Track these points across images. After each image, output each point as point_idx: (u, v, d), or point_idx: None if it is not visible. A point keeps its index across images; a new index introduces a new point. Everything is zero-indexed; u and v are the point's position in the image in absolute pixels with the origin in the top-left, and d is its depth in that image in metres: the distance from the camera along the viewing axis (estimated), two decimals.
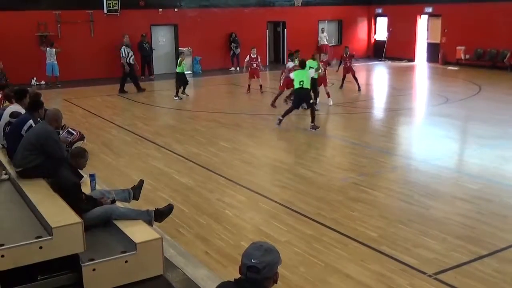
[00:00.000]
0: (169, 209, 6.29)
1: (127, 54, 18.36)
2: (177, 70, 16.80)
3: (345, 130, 12.81)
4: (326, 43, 26.31)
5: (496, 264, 5.86)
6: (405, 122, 13.86)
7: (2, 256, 4.62)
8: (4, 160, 7.00)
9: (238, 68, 23.34)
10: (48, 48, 19.40)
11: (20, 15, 19.37)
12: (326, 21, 26.90)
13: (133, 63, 18.48)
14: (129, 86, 18.15)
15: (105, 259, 5.00)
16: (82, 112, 14.97)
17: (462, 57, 23.47)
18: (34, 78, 19.76)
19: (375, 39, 28.20)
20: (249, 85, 17.44)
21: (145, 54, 21.55)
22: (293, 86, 12.81)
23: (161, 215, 6.13)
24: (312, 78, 13.28)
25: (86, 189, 6.17)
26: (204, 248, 6.33)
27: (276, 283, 2.80)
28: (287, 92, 14.66)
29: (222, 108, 15.32)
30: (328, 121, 14.19)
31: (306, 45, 25.76)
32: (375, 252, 6.17)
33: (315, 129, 12.13)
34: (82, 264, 4.87)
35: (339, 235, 6.65)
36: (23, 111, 7.46)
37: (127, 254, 5.09)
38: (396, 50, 26.29)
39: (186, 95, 16.98)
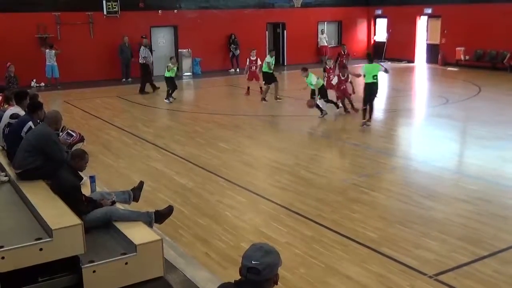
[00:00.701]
0: (169, 210, 6.28)
1: (147, 54, 18.68)
2: (165, 75, 16.74)
3: (345, 131, 12.80)
4: (326, 44, 26.34)
5: (496, 265, 5.86)
6: (405, 123, 13.86)
7: (2, 258, 4.61)
8: (4, 162, 6.99)
9: (237, 70, 23.34)
10: (47, 50, 19.41)
11: (19, 16, 19.37)
12: (325, 22, 26.91)
13: (150, 62, 18.69)
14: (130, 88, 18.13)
15: (105, 261, 4.99)
16: (81, 114, 14.97)
17: (462, 58, 23.47)
18: (34, 80, 19.75)
19: (374, 40, 28.21)
20: (248, 87, 17.43)
21: None
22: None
23: (161, 216, 6.12)
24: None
25: (86, 190, 6.16)
26: (204, 249, 6.33)
27: (277, 284, 2.79)
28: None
29: (221, 109, 15.32)
30: (327, 122, 14.17)
31: (305, 47, 25.91)
32: (375, 253, 6.17)
33: (366, 126, 12.46)
34: (82, 266, 4.87)
35: (339, 236, 6.65)
36: (23, 112, 7.46)
37: (127, 255, 5.08)
38: (395, 51, 26.30)
39: (173, 98, 16.82)
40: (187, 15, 22.99)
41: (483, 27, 22.26)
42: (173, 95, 16.79)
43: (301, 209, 7.54)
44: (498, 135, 11.73)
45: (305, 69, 14.02)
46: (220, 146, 11.15)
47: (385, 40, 27.17)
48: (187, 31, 22.88)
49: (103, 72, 21.11)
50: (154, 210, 6.12)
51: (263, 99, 16.23)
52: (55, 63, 19.52)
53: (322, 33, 26.46)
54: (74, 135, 9.37)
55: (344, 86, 14.13)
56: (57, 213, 5.22)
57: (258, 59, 17.42)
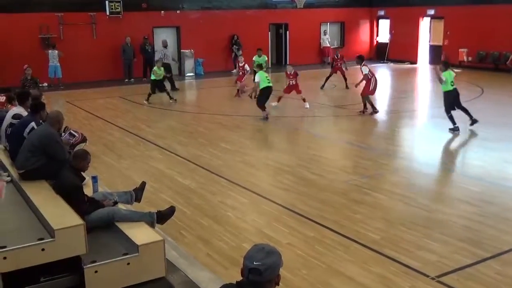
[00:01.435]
0: (171, 211, 6.29)
1: (164, 54, 18.93)
2: (151, 78, 16.69)
3: (347, 132, 12.80)
4: (328, 45, 26.35)
5: (498, 266, 5.85)
6: (408, 124, 13.84)
7: (5, 258, 4.62)
8: (7, 162, 7.01)
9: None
10: (50, 51, 19.46)
11: (22, 17, 19.42)
12: (328, 23, 26.91)
13: (169, 62, 18.84)
14: (136, 88, 18.12)
15: (107, 261, 4.99)
16: (84, 114, 14.99)
17: (465, 59, 23.44)
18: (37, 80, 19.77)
19: (377, 41, 28.21)
20: (238, 90, 17.48)
21: (147, 56, 21.59)
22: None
23: (163, 217, 6.12)
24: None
25: (88, 191, 6.17)
26: (206, 250, 6.33)
27: (278, 285, 2.79)
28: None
29: (224, 110, 15.33)
30: (330, 123, 14.18)
31: (308, 47, 25.92)
32: (377, 255, 6.16)
33: (474, 123, 12.16)
34: (84, 266, 4.87)
35: (341, 237, 6.64)
36: (25, 113, 7.47)
37: (129, 256, 5.08)
38: (398, 52, 26.28)
39: (175, 100, 16.70)
40: (190, 16, 23.02)
41: (486, 28, 22.24)
42: (170, 94, 16.80)
43: (303, 210, 7.53)
44: (500, 136, 11.71)
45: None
46: (222, 147, 11.16)
47: (387, 41, 27.16)
48: (189, 32, 22.90)
49: (106, 73, 21.16)
50: (156, 211, 6.12)
51: (248, 96, 16.67)
52: (58, 64, 19.57)
53: (325, 34, 26.47)
54: (77, 135, 9.38)
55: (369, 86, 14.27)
56: (59, 213, 5.23)
57: (246, 65, 17.58)
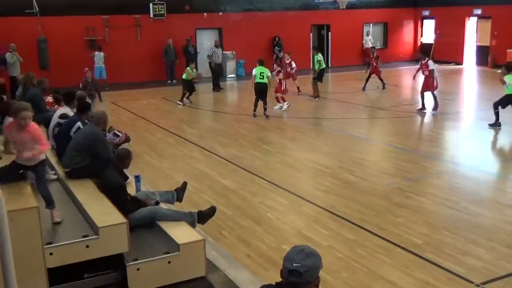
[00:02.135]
0: (211, 211, 6.33)
1: (212, 53, 19.51)
2: (183, 77, 16.94)
3: (390, 134, 12.61)
4: (371, 46, 26.02)
5: None
6: (452, 127, 13.53)
7: (51, 254, 4.75)
8: (53, 161, 7.20)
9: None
10: (96, 52, 19.92)
11: (70, 20, 19.94)
12: (371, 24, 26.60)
13: (219, 62, 19.09)
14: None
15: (149, 259, 5.07)
16: (128, 115, 15.27)
17: None
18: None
19: (421, 42, 27.69)
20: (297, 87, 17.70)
21: (189, 57, 21.82)
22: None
23: (203, 217, 6.17)
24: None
25: (131, 190, 6.28)
26: (246, 250, 6.35)
27: (318, 287, 2.77)
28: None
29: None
30: (371, 125, 14.01)
31: (350, 49, 25.67)
32: (420, 259, 6.05)
33: None
34: (126, 264, 4.96)
35: (383, 241, 6.55)
36: (71, 113, 7.66)
37: (170, 255, 5.15)
38: (443, 53, 25.72)
39: (190, 102, 16.95)
40: (232, 17, 23.15)
41: None
42: (190, 98, 16.97)
43: (344, 212, 7.47)
44: None
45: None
46: (263, 148, 11.17)
47: (432, 42, 26.63)
48: (231, 33, 23.03)
49: (149, 74, 21.51)
50: (197, 211, 6.18)
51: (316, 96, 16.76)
52: (103, 65, 20.01)
53: (368, 35, 26.17)
54: (121, 135, 9.57)
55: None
56: (103, 212, 5.34)
57: (293, 62, 17.54)
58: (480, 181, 8.92)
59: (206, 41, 23.05)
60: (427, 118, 14.25)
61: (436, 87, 14.64)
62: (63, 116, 7.70)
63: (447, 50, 25.57)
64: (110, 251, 5.01)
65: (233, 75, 23.07)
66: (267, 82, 14.16)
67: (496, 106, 12.30)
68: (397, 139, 11.91)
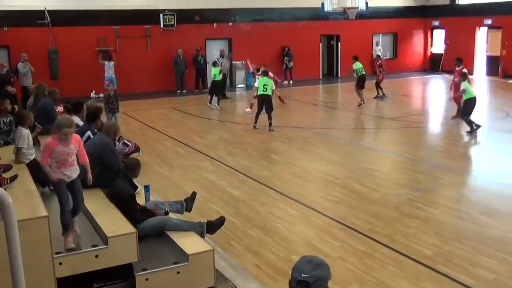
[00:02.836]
0: (220, 221, 6.33)
1: (219, 63, 19.43)
2: (217, 79, 17.25)
3: (400, 144, 12.56)
4: (381, 56, 26.00)
5: None
6: (463, 137, 13.45)
7: (60, 263, 4.77)
8: None
9: (291, 82, 23.40)
10: (106, 62, 20.06)
11: (81, 30, 20.12)
12: (380, 34, 26.59)
13: (224, 72, 19.32)
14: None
15: (158, 269, 5.08)
16: (138, 124, 15.33)
17: None
18: (93, 91, 20.42)
19: (431, 52, 27.63)
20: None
21: (199, 67, 21.95)
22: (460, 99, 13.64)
23: (212, 227, 6.18)
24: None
25: (140, 200, 6.30)
26: (254, 261, 6.33)
27: None
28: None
29: (274, 121, 15.32)
30: (381, 135, 13.96)
31: (360, 59, 25.59)
32: (430, 271, 6.00)
33: None
34: (135, 274, 4.96)
35: (393, 252, 6.50)
36: (81, 122, 7.71)
37: (179, 265, 5.15)
38: (453, 63, 25.54)
39: (218, 108, 17.33)
40: (242, 28, 23.24)
41: None
42: (219, 103, 17.30)
43: (353, 223, 7.43)
44: None
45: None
46: (272, 158, 11.16)
47: (442, 52, 26.57)
48: (241, 44, 23.12)
49: (159, 84, 21.62)
50: (206, 221, 6.18)
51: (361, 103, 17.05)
52: (114, 75, 20.13)
53: (377, 45, 26.15)
54: (130, 145, 9.62)
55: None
56: (112, 221, 5.36)
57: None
58: (491, 192, 8.85)
59: (216, 51, 23.13)
60: (437, 128, 14.17)
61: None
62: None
63: None
64: (120, 261, 5.01)
65: (242, 85, 23.13)
66: (270, 94, 13.91)
67: (463, 116, 12.92)
68: (407, 149, 11.86)
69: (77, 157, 5.18)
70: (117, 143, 8.90)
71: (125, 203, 5.73)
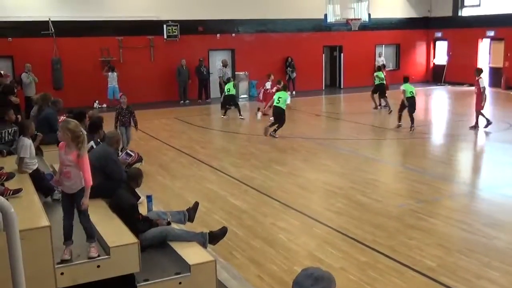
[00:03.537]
0: (223, 231, 6.32)
1: (223, 74, 19.96)
2: (231, 93, 17.54)
3: (402, 155, 12.55)
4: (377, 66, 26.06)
5: None
6: (466, 148, 13.44)
7: (62, 273, 4.75)
8: None
9: (294, 92, 23.44)
10: (110, 73, 20.15)
11: (84, 41, 20.22)
12: (383, 45, 26.66)
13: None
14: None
15: (160, 280, 5.06)
16: (141, 135, 15.31)
17: None
18: (97, 101, 20.50)
19: (434, 63, 27.67)
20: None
21: (202, 78, 22.01)
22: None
23: (215, 237, 6.16)
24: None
25: (143, 210, 6.29)
26: (257, 272, 6.30)
27: None
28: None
29: (278, 132, 15.33)
30: (383, 146, 13.95)
31: (362, 70, 25.71)
32: (434, 282, 5.96)
33: None
34: (137, 284, 4.94)
35: (395, 263, 6.47)
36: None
37: (181, 275, 5.13)
38: (456, 75, 25.66)
39: (227, 116, 17.81)
40: (245, 39, 23.34)
41: None
42: (227, 113, 17.60)
43: (356, 234, 7.40)
44: None
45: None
46: (276, 169, 11.15)
47: (445, 63, 26.61)
48: (244, 54, 23.21)
49: (162, 94, 21.69)
50: (208, 231, 6.16)
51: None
52: (117, 85, 20.22)
53: (380, 56, 26.22)
54: (133, 155, 9.61)
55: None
56: (114, 231, 5.34)
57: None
58: (494, 203, 8.82)
59: (219, 61, 23.22)
60: (440, 139, 14.14)
61: (481, 107, 14.70)
62: None
63: (460, 72, 25.48)
64: (121, 271, 4.99)
65: (245, 96, 23.17)
66: (282, 107, 14.33)
67: (402, 110, 14.75)
68: (409, 160, 11.84)
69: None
70: (120, 153, 8.90)
71: (127, 213, 5.72)
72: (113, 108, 19.85)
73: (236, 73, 23.03)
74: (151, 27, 21.48)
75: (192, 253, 5.44)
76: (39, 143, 8.25)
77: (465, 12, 25.98)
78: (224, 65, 20.52)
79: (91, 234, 5.05)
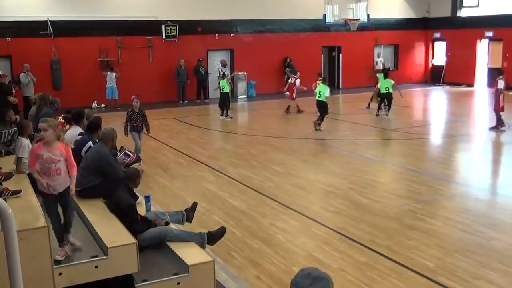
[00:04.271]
0: (221, 232, 6.30)
1: (221, 74, 19.64)
2: (226, 91, 17.52)
3: (401, 156, 12.54)
4: (382, 67, 26.07)
5: None
6: (464, 149, 13.44)
7: (60, 274, 4.74)
8: None
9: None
10: (108, 73, 20.14)
11: (83, 41, 20.20)
12: (382, 46, 26.67)
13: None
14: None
15: (158, 280, 5.04)
16: None
17: None
18: (95, 101, 20.48)
19: (432, 64, 27.70)
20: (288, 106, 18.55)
21: (201, 78, 22.01)
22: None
23: (213, 238, 6.15)
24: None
25: (141, 210, 6.27)
26: (255, 272, 6.29)
27: None
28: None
29: (276, 132, 15.34)
30: (382, 147, 13.95)
31: (361, 70, 25.72)
32: (432, 283, 5.96)
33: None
34: (136, 285, 4.93)
35: (394, 263, 6.47)
36: (82, 132, 7.70)
37: (179, 276, 5.12)
38: (455, 75, 25.70)
39: (228, 117, 17.71)
40: (243, 39, 23.34)
41: None
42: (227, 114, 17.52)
43: (354, 234, 7.40)
44: None
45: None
46: (274, 169, 11.14)
47: (443, 64, 26.63)
48: (243, 54, 23.21)
49: (160, 94, 21.67)
50: (207, 231, 6.15)
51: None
52: (115, 86, 20.21)
53: (378, 57, 26.23)
54: (131, 155, 9.57)
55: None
56: (112, 232, 5.33)
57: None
58: (493, 203, 8.82)
59: (217, 62, 23.23)
60: (439, 140, 14.13)
61: (499, 108, 14.54)
62: (80, 134, 7.76)
63: (458, 72, 25.54)
64: (120, 271, 4.98)
65: (244, 96, 23.17)
66: (323, 99, 15.27)
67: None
68: (408, 160, 11.84)
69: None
70: (118, 153, 8.88)
71: (126, 213, 5.71)
72: (112, 108, 19.98)
73: (234, 73, 23.02)
74: (149, 27, 21.47)
75: (191, 254, 5.43)
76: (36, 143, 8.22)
77: (463, 13, 26.00)
78: (223, 65, 20.55)
79: (70, 231, 5.08)
